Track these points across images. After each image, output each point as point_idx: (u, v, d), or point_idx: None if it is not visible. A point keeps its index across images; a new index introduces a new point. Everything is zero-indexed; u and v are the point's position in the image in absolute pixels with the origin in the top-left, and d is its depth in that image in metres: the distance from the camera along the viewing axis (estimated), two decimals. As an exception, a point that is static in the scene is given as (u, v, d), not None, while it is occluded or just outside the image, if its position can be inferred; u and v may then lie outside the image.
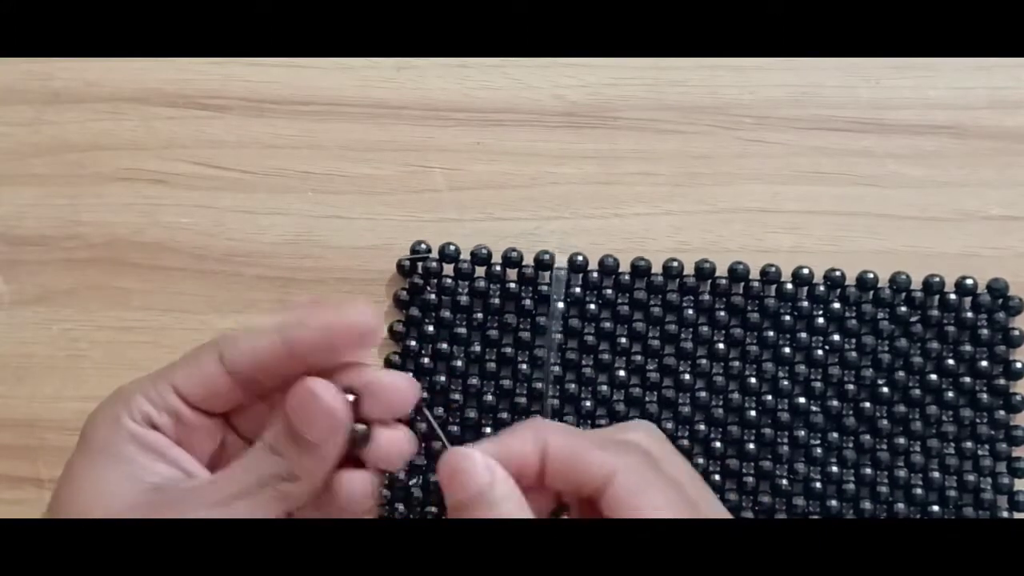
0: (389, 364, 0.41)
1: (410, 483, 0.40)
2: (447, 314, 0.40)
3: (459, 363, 0.40)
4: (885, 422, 0.39)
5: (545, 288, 0.40)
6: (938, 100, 0.42)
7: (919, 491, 0.39)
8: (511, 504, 0.26)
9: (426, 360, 0.40)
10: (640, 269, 0.40)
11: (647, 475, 0.27)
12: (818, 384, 0.39)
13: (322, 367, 0.27)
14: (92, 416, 0.29)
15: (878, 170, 0.41)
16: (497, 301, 0.40)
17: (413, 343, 0.40)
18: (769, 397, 0.40)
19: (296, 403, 0.26)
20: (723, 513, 0.30)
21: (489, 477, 0.26)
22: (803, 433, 0.39)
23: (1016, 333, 0.39)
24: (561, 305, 0.39)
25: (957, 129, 0.41)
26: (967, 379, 0.39)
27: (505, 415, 0.40)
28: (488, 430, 0.40)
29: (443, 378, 0.40)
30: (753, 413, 0.39)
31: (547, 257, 0.40)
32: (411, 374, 0.40)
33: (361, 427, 0.27)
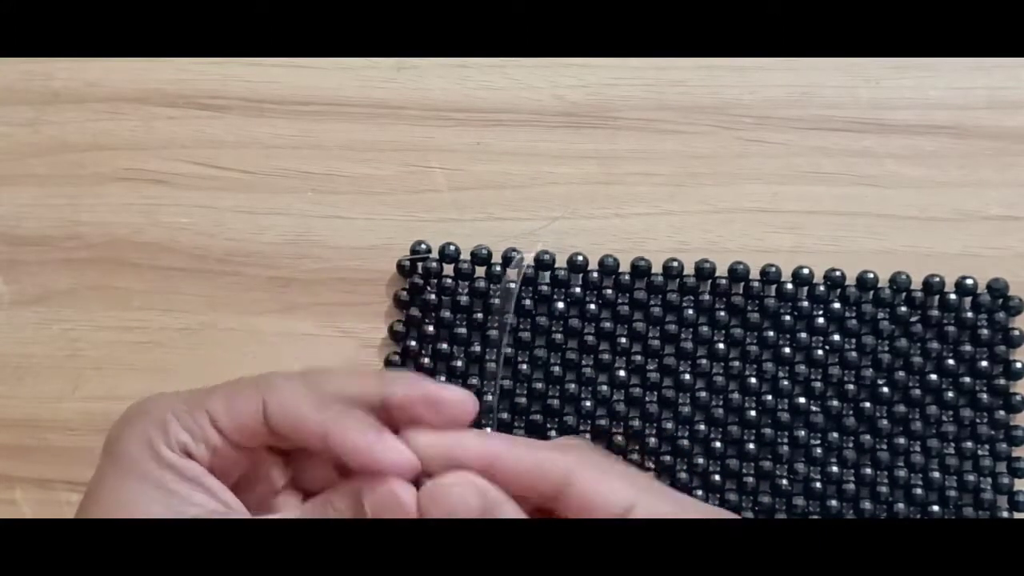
0: (389, 365, 0.41)
1: None
2: (447, 314, 0.40)
3: (459, 364, 0.40)
4: (885, 422, 0.39)
5: (545, 288, 0.40)
6: (938, 100, 0.42)
7: (919, 491, 0.39)
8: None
9: (426, 360, 0.40)
10: (640, 269, 0.40)
11: (601, 464, 0.27)
12: (818, 384, 0.39)
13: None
14: (120, 433, 0.28)
15: (878, 170, 0.41)
16: (497, 301, 0.40)
17: (413, 343, 0.40)
18: (769, 397, 0.40)
19: (376, 503, 0.26)
20: (672, 495, 0.30)
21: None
22: (803, 433, 0.39)
23: (1016, 333, 0.39)
24: (513, 286, 0.39)
25: (957, 129, 0.41)
26: (967, 379, 0.39)
27: (505, 415, 0.40)
28: (489, 430, 0.40)
29: (443, 378, 0.40)
30: (753, 413, 0.39)
31: (547, 257, 0.40)
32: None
33: None
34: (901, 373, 0.39)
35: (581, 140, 0.42)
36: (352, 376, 0.28)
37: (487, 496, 0.27)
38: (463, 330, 0.40)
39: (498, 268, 0.40)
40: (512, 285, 0.39)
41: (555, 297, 0.40)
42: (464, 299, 0.40)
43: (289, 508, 0.29)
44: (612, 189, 0.42)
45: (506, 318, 0.39)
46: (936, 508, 0.39)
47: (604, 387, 0.40)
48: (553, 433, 0.40)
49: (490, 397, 0.39)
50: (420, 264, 0.41)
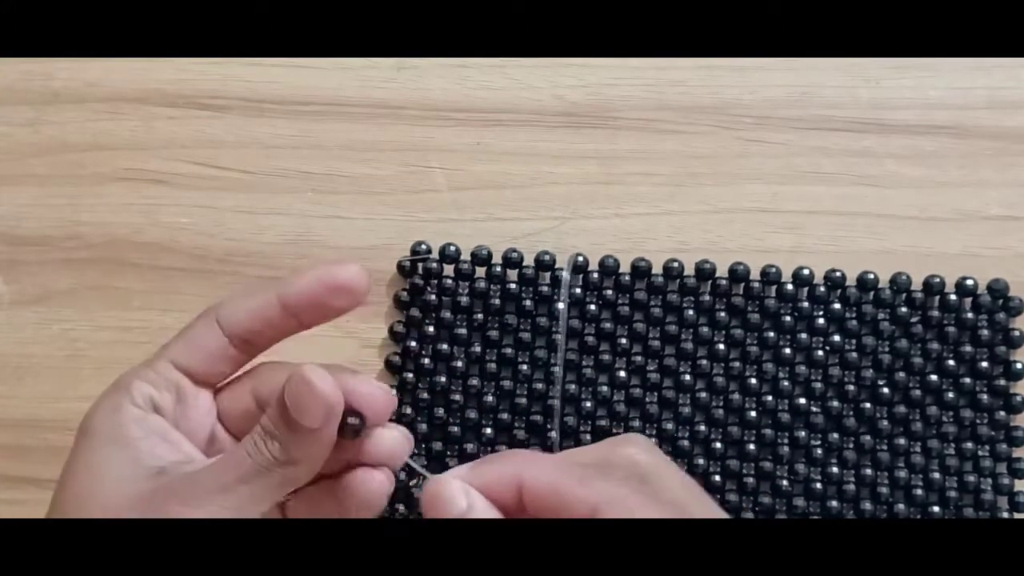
0: (389, 365, 0.41)
1: (411, 484, 0.40)
2: (447, 315, 0.40)
3: (459, 364, 0.40)
4: (885, 423, 0.39)
5: (545, 289, 0.40)
6: (938, 100, 0.42)
7: (919, 492, 0.39)
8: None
9: (426, 361, 0.40)
10: (640, 270, 0.40)
11: (631, 506, 0.27)
12: (818, 385, 0.39)
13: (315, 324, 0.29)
14: (92, 409, 0.29)
15: (878, 170, 0.41)
16: (497, 302, 0.40)
17: (413, 344, 0.40)
18: (769, 398, 0.40)
19: (292, 390, 0.26)
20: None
21: (466, 502, 0.27)
22: (803, 434, 0.39)
23: (1016, 334, 0.39)
24: (563, 306, 0.39)
25: (957, 129, 0.41)
26: (967, 380, 0.39)
27: (505, 416, 0.40)
28: (488, 430, 0.40)
29: (443, 379, 0.40)
30: (753, 413, 0.39)
31: (547, 258, 0.40)
32: (411, 375, 0.40)
33: (354, 420, 0.27)
34: (901, 374, 0.39)
35: (581, 140, 0.42)
36: (246, 289, 0.29)
37: (474, 504, 0.27)
38: (463, 331, 0.40)
39: (498, 268, 0.40)
40: (562, 306, 0.39)
41: (556, 298, 0.40)
42: (464, 300, 0.40)
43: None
44: (612, 189, 0.41)
45: (561, 319, 0.39)
46: (936, 509, 0.39)
47: (604, 388, 0.40)
48: (553, 434, 0.40)
49: (556, 402, 0.39)
50: (420, 264, 0.41)
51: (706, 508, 0.28)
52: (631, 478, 0.27)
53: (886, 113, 0.42)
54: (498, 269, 0.40)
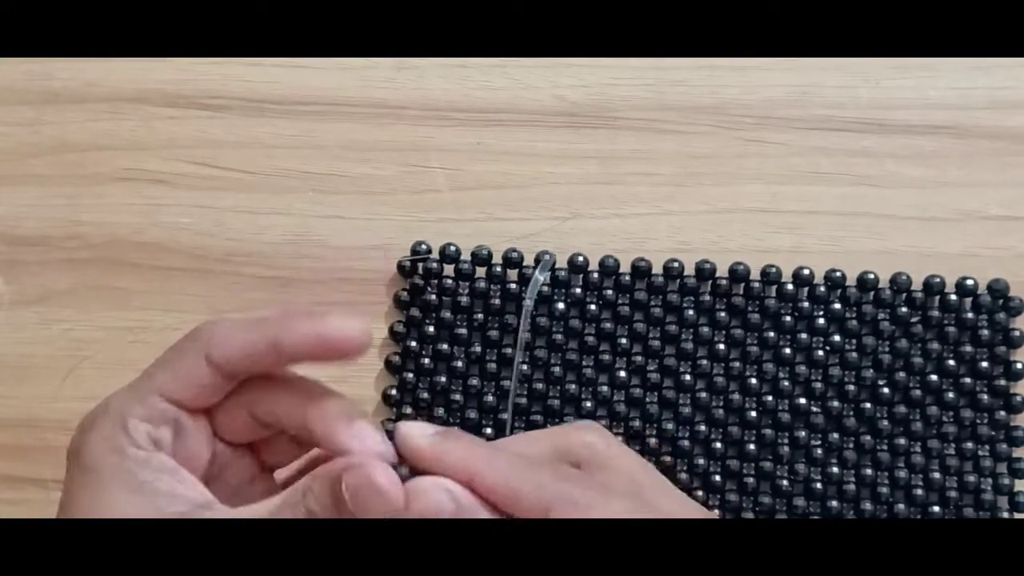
0: (389, 365, 0.41)
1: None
2: (447, 315, 0.40)
3: (460, 364, 0.40)
4: (885, 422, 0.39)
5: (545, 289, 0.40)
6: (938, 100, 0.42)
7: (919, 491, 0.39)
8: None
9: (426, 361, 0.40)
10: (640, 270, 0.40)
11: (581, 506, 0.27)
12: (819, 385, 0.39)
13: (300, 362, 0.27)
14: (83, 442, 0.27)
15: (878, 170, 0.41)
16: (498, 302, 0.40)
17: (414, 343, 0.40)
18: (769, 398, 0.40)
19: (354, 487, 0.25)
20: (682, 503, 0.29)
21: (454, 505, 0.27)
22: (803, 434, 0.39)
23: (1016, 334, 0.39)
24: (530, 303, 0.39)
25: (957, 129, 0.41)
26: (967, 380, 0.39)
27: (505, 416, 0.40)
28: (489, 431, 0.40)
29: (444, 379, 0.40)
30: (753, 414, 0.39)
31: (547, 256, 0.40)
32: (412, 375, 0.40)
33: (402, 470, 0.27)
34: (901, 374, 0.39)
35: (581, 140, 0.42)
36: (239, 326, 0.27)
37: (460, 503, 0.27)
38: (464, 331, 0.40)
39: (498, 268, 0.40)
40: (529, 303, 0.39)
41: (556, 298, 0.40)
42: (464, 299, 0.40)
43: (264, 494, 0.29)
44: (612, 189, 0.41)
45: (527, 308, 0.39)
46: (936, 508, 0.39)
47: (604, 388, 0.40)
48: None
49: (511, 383, 0.39)
50: (420, 264, 0.41)
51: (665, 494, 0.28)
52: (588, 467, 0.27)
53: (886, 113, 0.42)
54: (498, 269, 0.40)
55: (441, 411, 0.40)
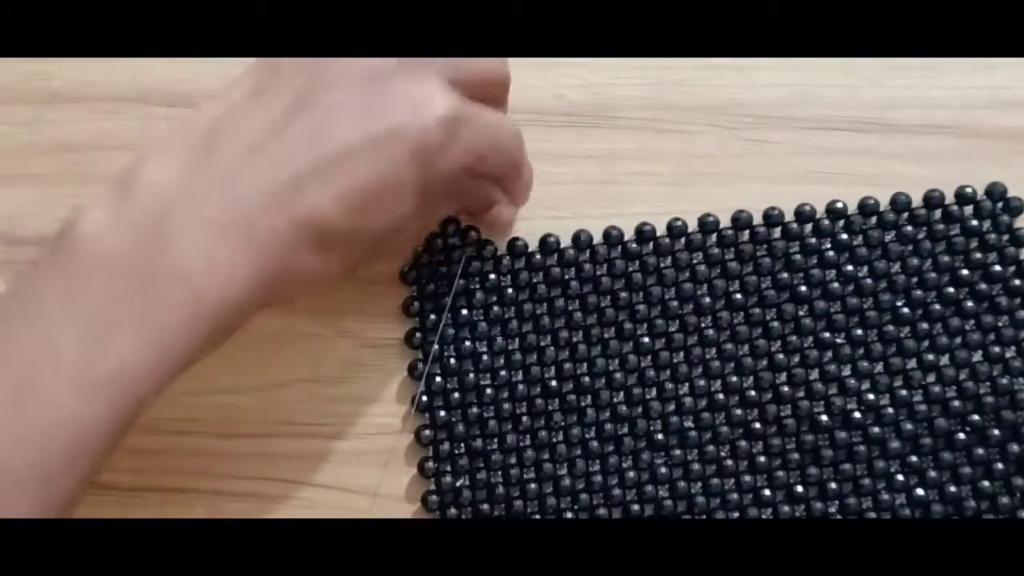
0: (412, 371, 0.40)
1: (458, 484, 0.40)
2: (465, 312, 0.40)
3: (485, 357, 0.40)
4: (911, 341, 0.39)
5: (556, 271, 0.40)
6: (939, 100, 0.42)
7: (957, 403, 0.39)
8: None
9: (452, 361, 0.40)
10: (645, 235, 0.40)
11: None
12: (839, 316, 0.40)
13: None
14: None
15: (879, 170, 0.41)
16: (513, 291, 0.40)
17: (420, 343, 0.40)
18: (794, 337, 0.40)
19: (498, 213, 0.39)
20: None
21: None
22: (833, 367, 0.39)
23: (1022, 232, 0.40)
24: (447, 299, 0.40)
25: (958, 129, 0.41)
26: (983, 286, 0.39)
27: (507, 406, 0.40)
28: (526, 418, 0.40)
29: (472, 376, 0.40)
30: (781, 356, 0.40)
31: (552, 240, 0.40)
32: (438, 375, 0.40)
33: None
34: (918, 291, 0.39)
35: (581, 140, 0.42)
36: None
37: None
38: (488, 323, 0.40)
39: (506, 261, 0.40)
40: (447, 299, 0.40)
41: (567, 277, 0.40)
42: (480, 296, 0.40)
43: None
44: (612, 189, 0.41)
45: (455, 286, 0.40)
46: (976, 417, 0.39)
47: (632, 356, 0.40)
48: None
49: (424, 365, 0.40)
50: (422, 266, 0.41)
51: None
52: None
53: (887, 113, 0.42)
54: (506, 261, 0.41)
55: (474, 411, 0.40)
